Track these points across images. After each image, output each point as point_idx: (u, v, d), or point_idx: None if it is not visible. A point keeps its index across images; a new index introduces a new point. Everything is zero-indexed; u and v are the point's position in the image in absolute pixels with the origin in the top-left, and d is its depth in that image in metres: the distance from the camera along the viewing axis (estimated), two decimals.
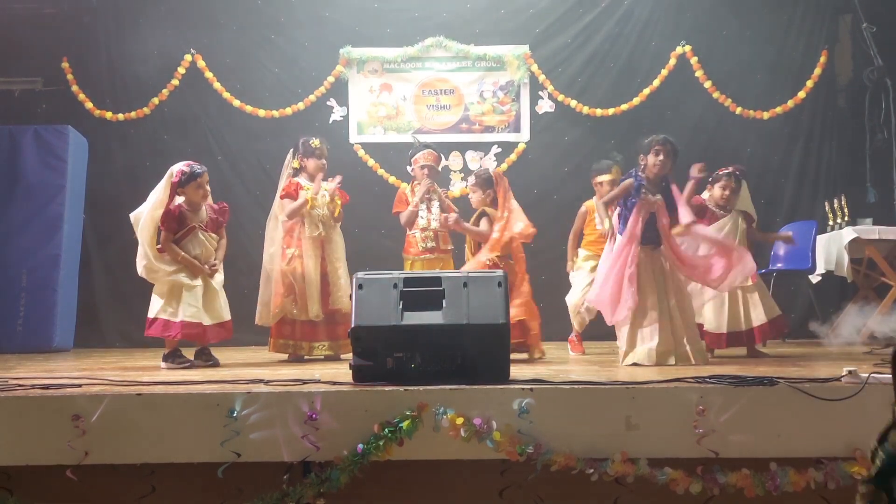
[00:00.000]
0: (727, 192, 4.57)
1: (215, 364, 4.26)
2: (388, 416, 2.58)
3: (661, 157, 4.11)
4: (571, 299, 5.41)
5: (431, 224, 5.10)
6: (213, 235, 4.38)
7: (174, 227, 4.22)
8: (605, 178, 5.41)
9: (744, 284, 4.43)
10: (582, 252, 5.49)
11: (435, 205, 5.11)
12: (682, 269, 4.09)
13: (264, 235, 5.10)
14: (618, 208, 4.25)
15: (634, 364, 3.94)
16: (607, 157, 5.65)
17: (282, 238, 4.89)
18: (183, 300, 4.18)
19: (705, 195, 4.70)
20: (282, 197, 4.90)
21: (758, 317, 4.45)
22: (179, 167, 4.31)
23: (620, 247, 4.06)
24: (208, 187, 4.37)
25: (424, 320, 2.88)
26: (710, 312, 4.50)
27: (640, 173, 4.14)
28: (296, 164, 4.99)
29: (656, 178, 4.13)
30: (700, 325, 4.39)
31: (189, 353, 4.28)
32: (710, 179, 4.66)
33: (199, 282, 4.25)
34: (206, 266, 4.28)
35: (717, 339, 4.49)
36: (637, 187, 4.09)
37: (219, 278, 4.37)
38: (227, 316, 4.34)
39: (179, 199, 4.28)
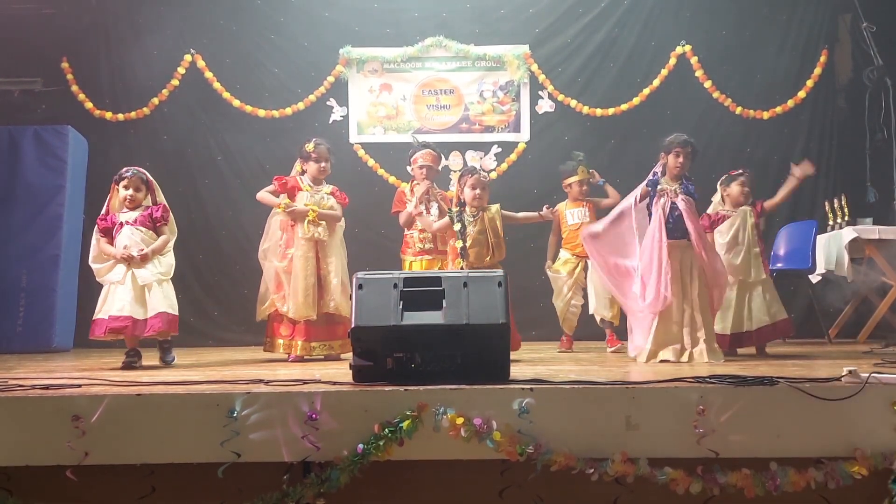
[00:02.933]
0: (747, 189, 4.61)
1: (133, 363, 4.30)
2: (388, 416, 2.57)
3: (681, 160, 4.20)
4: (558, 304, 5.45)
5: None
6: (145, 230, 4.41)
7: (99, 225, 4.43)
8: (573, 179, 5.54)
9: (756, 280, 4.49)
10: (563, 254, 5.53)
11: (434, 206, 5.11)
12: (706, 267, 4.09)
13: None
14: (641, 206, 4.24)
15: (664, 361, 3.95)
16: (571, 157, 5.76)
17: (277, 236, 4.90)
18: (111, 296, 4.30)
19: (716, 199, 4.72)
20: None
21: (760, 319, 4.45)
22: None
23: (652, 242, 4.04)
24: (135, 192, 4.43)
25: (424, 320, 2.87)
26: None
27: (657, 171, 4.19)
28: (298, 168, 5.05)
29: (675, 178, 4.21)
30: None
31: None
32: (720, 182, 4.74)
33: (121, 276, 4.28)
34: (128, 253, 4.29)
35: (721, 340, 4.45)
36: (653, 183, 4.15)
37: (152, 270, 4.34)
38: (161, 308, 4.29)
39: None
